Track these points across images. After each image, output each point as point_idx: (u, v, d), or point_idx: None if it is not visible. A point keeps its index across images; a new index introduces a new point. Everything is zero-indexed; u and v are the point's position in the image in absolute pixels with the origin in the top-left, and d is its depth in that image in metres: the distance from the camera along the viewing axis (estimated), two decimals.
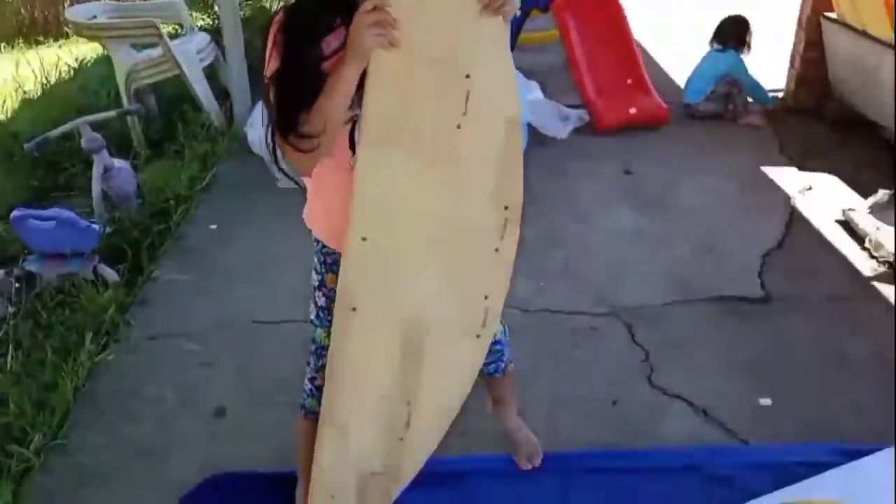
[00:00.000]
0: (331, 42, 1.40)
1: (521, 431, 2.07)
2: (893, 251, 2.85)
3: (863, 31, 3.81)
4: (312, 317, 1.76)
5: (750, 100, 4.29)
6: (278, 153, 1.48)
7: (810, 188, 3.51)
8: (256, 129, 3.77)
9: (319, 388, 1.71)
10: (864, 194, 3.31)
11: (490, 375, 1.95)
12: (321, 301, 1.71)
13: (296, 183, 1.61)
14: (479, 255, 1.54)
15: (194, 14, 5.41)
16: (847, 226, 3.17)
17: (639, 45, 4.64)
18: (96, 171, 3.37)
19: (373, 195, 1.44)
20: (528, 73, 4.19)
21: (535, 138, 4.01)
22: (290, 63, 1.41)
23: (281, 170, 1.55)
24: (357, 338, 1.55)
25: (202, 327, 2.66)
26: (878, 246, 2.94)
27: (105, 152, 3.39)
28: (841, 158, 3.77)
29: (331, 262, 1.63)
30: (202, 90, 4.33)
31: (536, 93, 4.07)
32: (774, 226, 3.22)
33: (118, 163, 3.45)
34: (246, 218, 3.37)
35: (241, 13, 4.96)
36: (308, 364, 1.84)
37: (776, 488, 1.89)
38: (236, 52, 4.22)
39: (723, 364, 2.43)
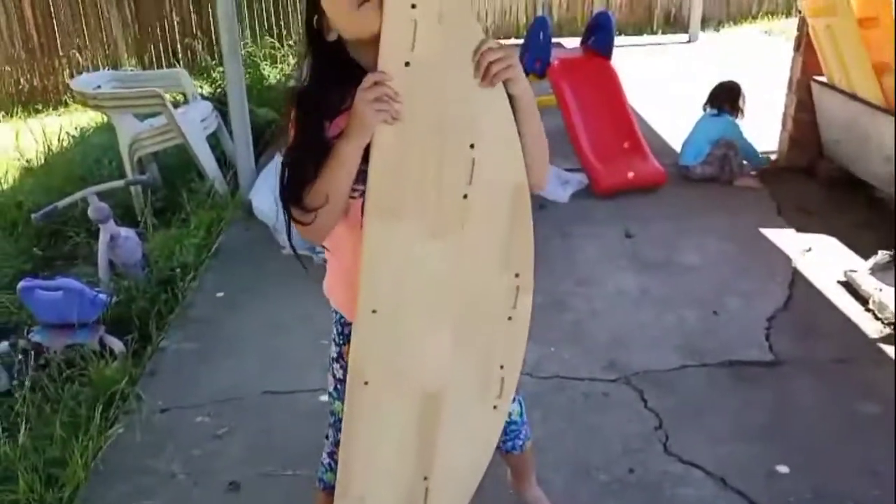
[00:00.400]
0: (340, 123, 1.41)
1: (541, 503, 2.05)
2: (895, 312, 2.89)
3: (852, 94, 3.92)
4: (331, 389, 1.76)
5: (745, 162, 4.37)
6: (290, 226, 1.50)
7: (810, 249, 3.56)
8: (261, 196, 3.82)
9: (338, 461, 1.69)
10: (864, 255, 3.36)
11: (508, 453, 1.94)
12: (339, 374, 1.71)
13: (294, 253, 1.59)
14: (491, 325, 1.54)
15: (196, 82, 5.50)
16: (849, 287, 3.20)
17: (633, 110, 4.74)
18: (103, 239, 3.39)
19: (381, 267, 1.44)
20: None
21: (537, 202, 4.05)
22: (300, 140, 1.45)
23: (289, 241, 1.55)
24: (370, 411, 1.54)
25: (213, 398, 2.64)
26: (882, 307, 2.97)
27: (112, 221, 3.42)
28: (838, 219, 3.84)
29: (348, 332, 1.63)
30: (206, 158, 4.38)
31: None
32: (778, 287, 3.25)
33: (125, 231, 3.47)
34: (253, 285, 3.38)
35: None
36: (326, 437, 1.85)
37: None
38: (240, 119, 4.28)
39: (736, 429, 2.43)
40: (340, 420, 1.72)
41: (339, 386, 1.71)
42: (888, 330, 2.91)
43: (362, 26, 1.33)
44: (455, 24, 1.33)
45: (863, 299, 3.10)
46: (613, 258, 3.58)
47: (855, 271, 3.23)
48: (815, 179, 4.33)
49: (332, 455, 1.80)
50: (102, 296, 3.12)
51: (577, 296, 3.26)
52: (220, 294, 3.33)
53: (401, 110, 1.34)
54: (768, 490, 2.18)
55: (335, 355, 1.71)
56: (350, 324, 1.61)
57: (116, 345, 2.96)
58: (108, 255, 3.42)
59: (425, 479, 1.61)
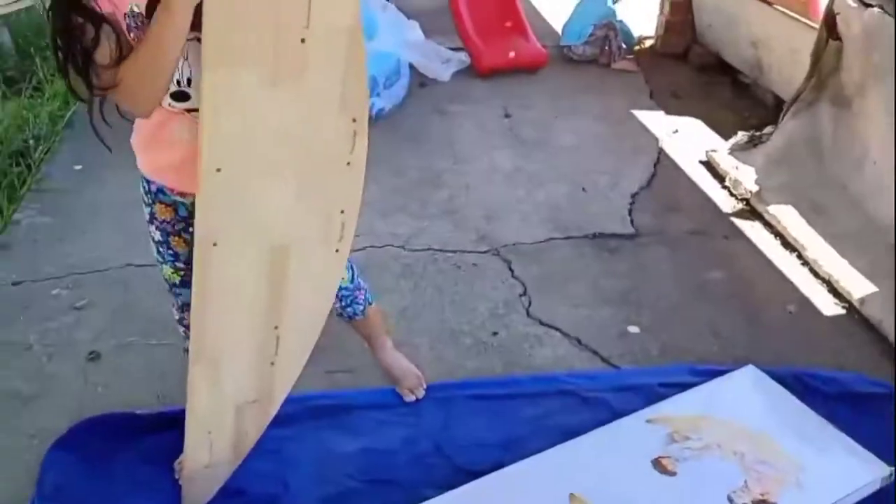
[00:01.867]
0: None
1: (398, 364, 2.11)
2: (750, 189, 3.06)
3: None
4: (154, 254, 1.72)
5: (623, 45, 4.42)
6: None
7: (677, 131, 3.69)
8: None
9: (188, 327, 1.68)
10: (726, 137, 3.51)
11: (351, 320, 1.97)
12: (157, 235, 1.68)
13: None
14: (331, 170, 1.53)
15: None
16: (710, 166, 3.36)
17: None
18: None
19: (223, 122, 1.37)
20: (410, 14, 4.16)
21: (417, 79, 4.01)
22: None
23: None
24: (221, 272, 1.51)
25: (71, 271, 2.54)
26: (737, 184, 3.14)
27: None
28: (705, 103, 3.97)
29: (155, 190, 1.60)
30: None
31: (417, 32, 4.05)
32: (644, 166, 3.37)
33: None
34: (113, 158, 3.18)
35: None
36: (172, 306, 1.81)
37: (645, 407, 2.03)
38: None
39: (594, 296, 2.56)
40: (174, 285, 1.75)
41: (160, 248, 1.69)
42: (741, 205, 3.09)
43: None
44: None
45: (720, 177, 3.27)
46: (490, 136, 3.61)
47: (715, 151, 3.39)
48: (688, 64, 4.44)
49: (182, 321, 1.80)
50: None
51: (452, 172, 3.28)
52: (79, 167, 3.15)
53: None
54: (619, 347, 2.33)
55: (147, 217, 1.66)
56: (155, 181, 1.58)
57: None
58: None
59: (276, 328, 1.62)
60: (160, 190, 1.60)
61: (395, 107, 3.71)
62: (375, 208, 2.96)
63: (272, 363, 1.66)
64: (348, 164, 1.52)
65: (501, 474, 1.80)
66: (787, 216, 2.90)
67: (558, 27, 4.65)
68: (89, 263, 2.58)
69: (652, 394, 2.09)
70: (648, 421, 1.96)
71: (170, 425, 1.85)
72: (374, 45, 3.66)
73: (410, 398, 2.08)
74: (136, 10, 1.33)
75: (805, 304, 2.55)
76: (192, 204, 1.45)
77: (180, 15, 1.26)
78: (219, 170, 1.41)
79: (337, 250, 1.62)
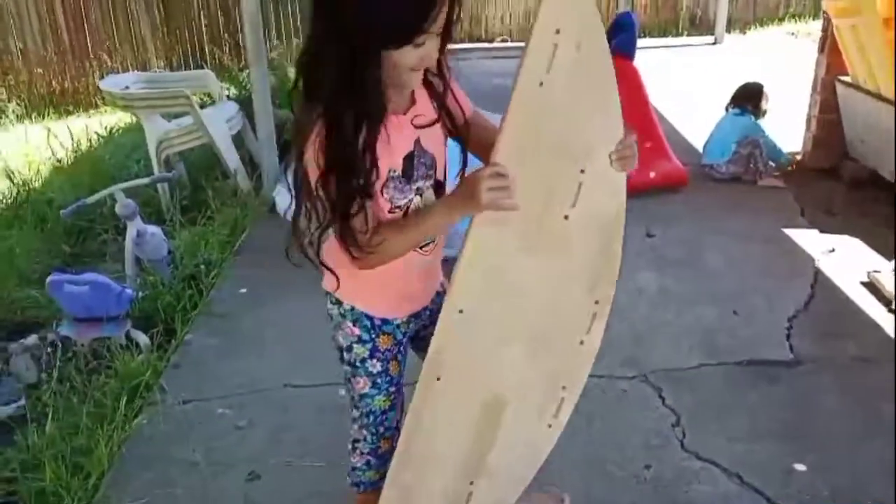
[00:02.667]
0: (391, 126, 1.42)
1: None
2: None
3: (877, 94, 3.88)
4: (367, 389, 1.69)
5: (770, 163, 4.34)
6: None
7: (833, 250, 3.53)
8: (284, 194, 3.87)
9: (381, 456, 1.75)
10: (888, 256, 3.33)
11: None
12: (377, 368, 1.66)
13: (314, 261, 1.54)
14: (564, 344, 1.59)
15: (223, 84, 5.58)
16: (873, 288, 3.18)
17: (656, 110, 4.73)
18: (130, 236, 3.46)
19: (476, 270, 1.48)
20: None
21: None
22: (339, 164, 1.37)
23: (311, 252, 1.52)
24: (436, 406, 1.58)
25: (234, 391, 2.69)
26: None
27: (138, 218, 3.48)
28: (861, 220, 3.80)
29: (380, 323, 1.63)
30: (231, 157, 4.45)
31: None
32: (799, 288, 3.23)
33: (151, 228, 3.53)
34: (275, 282, 3.41)
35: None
36: (361, 440, 1.77)
37: None
38: (265, 119, 4.35)
39: (754, 428, 2.42)
40: (381, 412, 1.72)
41: (377, 380, 1.67)
42: None
43: (424, 60, 1.38)
44: (590, 55, 1.39)
45: (886, 300, 3.07)
46: (633, 257, 3.58)
47: (879, 272, 3.21)
48: (840, 180, 4.29)
49: (376, 451, 1.77)
50: (129, 290, 3.18)
51: None
52: (243, 290, 3.38)
53: (515, 205, 1.39)
54: (785, 487, 2.17)
55: (368, 353, 1.65)
56: (384, 320, 1.63)
57: (142, 339, 3.02)
58: (135, 252, 3.49)
59: (471, 483, 1.65)
60: (384, 321, 1.63)
61: None
62: None
63: None
64: (581, 343, 1.57)
65: None
66: None
67: (698, 145, 4.64)
68: (251, 384, 2.72)
69: None
70: None
71: None
72: None
73: None
74: (395, 172, 1.47)
75: None
76: (407, 324, 1.64)
77: (456, 219, 1.44)
78: (461, 311, 1.50)
79: (550, 426, 1.66)
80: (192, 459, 2.35)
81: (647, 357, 2.79)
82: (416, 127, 1.48)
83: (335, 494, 2.18)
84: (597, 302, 1.54)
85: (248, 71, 4.96)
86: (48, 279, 3.07)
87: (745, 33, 9.48)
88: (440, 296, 1.67)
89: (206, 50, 8.55)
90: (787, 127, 4.68)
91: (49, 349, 2.99)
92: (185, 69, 8.17)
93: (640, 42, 4.83)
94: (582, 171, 1.45)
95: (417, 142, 1.49)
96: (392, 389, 1.71)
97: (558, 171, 1.45)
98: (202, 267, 3.46)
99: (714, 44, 8.76)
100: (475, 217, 1.43)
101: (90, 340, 2.97)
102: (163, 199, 4.33)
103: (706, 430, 2.41)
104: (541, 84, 1.38)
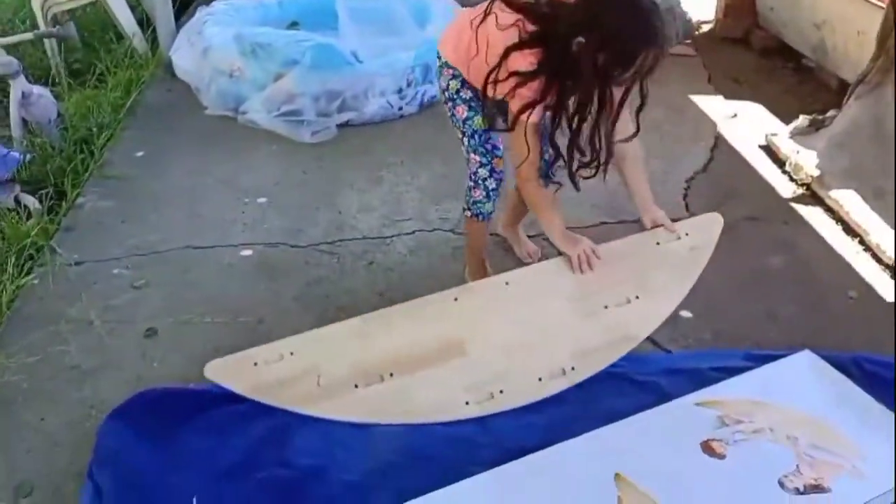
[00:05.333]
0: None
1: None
2: (811, 174, 2.97)
3: None
4: (466, 112, 2.15)
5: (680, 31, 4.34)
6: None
7: (735, 115, 3.60)
8: (182, 54, 3.67)
9: (496, 177, 2.25)
10: (787, 121, 3.41)
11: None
12: (468, 94, 2.13)
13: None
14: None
15: None
16: (769, 150, 3.27)
17: None
18: (14, 96, 3.24)
19: (533, 273, 2.25)
20: (464, 3, 4.16)
21: None
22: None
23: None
24: None
25: (132, 253, 2.62)
26: (798, 169, 3.05)
27: (23, 77, 3.26)
28: (766, 87, 3.87)
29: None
30: (123, 16, 4.16)
31: None
32: (700, 152, 3.30)
33: (37, 89, 3.32)
34: (173, 145, 3.30)
35: None
36: (477, 165, 2.22)
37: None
38: None
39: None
40: (484, 131, 2.18)
41: (472, 104, 2.14)
42: (801, 190, 3.00)
43: None
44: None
45: (781, 162, 3.18)
46: None
47: (776, 135, 3.30)
48: (749, 48, 4.33)
49: (491, 174, 2.24)
50: (15, 154, 3.03)
51: None
52: (140, 153, 3.24)
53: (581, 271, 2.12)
54: (671, 332, 2.28)
55: (459, 84, 2.14)
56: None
57: (31, 202, 2.89)
58: (21, 113, 3.28)
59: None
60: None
61: None
62: (427, 193, 2.97)
63: None
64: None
65: (546, 453, 1.79)
66: (849, 201, 2.81)
67: None
68: (150, 245, 2.66)
69: (704, 378, 2.04)
70: (698, 404, 1.92)
71: (219, 402, 1.91)
72: (429, 32, 3.67)
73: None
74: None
75: (867, 289, 2.47)
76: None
77: (552, 235, 2.21)
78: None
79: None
80: (86, 318, 2.31)
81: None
82: None
83: (235, 348, 2.18)
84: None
85: None
86: None
87: None
88: None
89: None
90: None
91: None
92: None
93: None
94: (637, 298, 2.11)
95: None
96: (486, 112, 2.15)
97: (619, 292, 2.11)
98: (94, 130, 3.29)
99: None
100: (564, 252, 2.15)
101: None
102: (52, 60, 4.05)
103: None
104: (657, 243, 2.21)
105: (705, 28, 4.57)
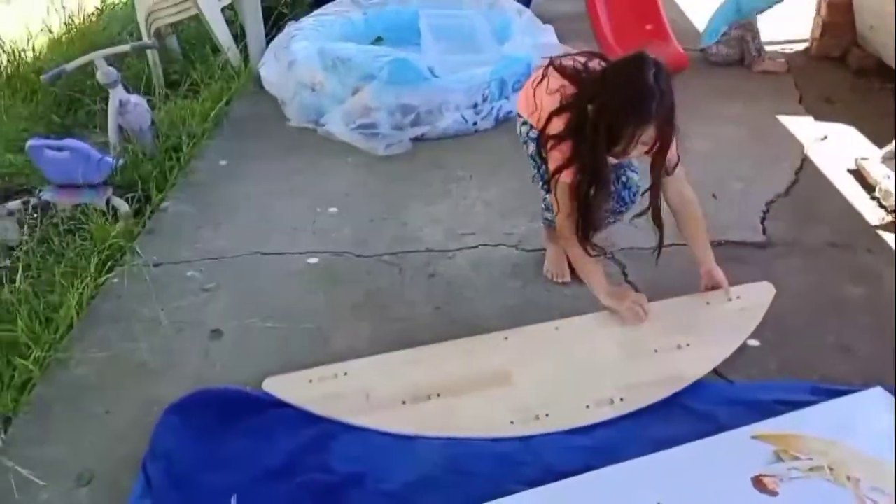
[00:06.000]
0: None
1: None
2: None
3: None
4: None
5: (769, 48, 4.17)
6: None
7: (825, 137, 3.44)
8: (269, 68, 3.81)
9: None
10: (881, 145, 3.24)
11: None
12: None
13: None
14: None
15: None
16: (859, 175, 3.11)
17: None
18: (112, 104, 3.44)
19: (584, 321, 2.29)
20: (547, 19, 4.16)
21: None
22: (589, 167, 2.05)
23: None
24: None
25: (205, 256, 2.73)
26: (888, 195, 2.89)
27: (121, 87, 3.46)
28: (860, 108, 3.69)
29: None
30: (220, 30, 4.36)
31: (550, 37, 4.02)
32: (784, 174, 3.17)
33: (134, 98, 3.51)
34: (255, 154, 3.43)
35: None
36: (545, 198, 2.41)
37: None
38: None
39: None
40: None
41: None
42: (890, 217, 2.84)
43: None
44: None
45: (870, 187, 3.02)
46: None
47: (866, 159, 3.13)
48: (846, 68, 4.13)
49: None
50: (108, 158, 3.20)
51: None
52: (224, 162, 3.39)
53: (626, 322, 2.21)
54: (734, 361, 2.19)
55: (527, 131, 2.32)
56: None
57: (122, 205, 3.05)
58: (118, 121, 3.48)
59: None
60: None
61: None
62: (494, 208, 2.97)
63: None
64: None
65: (589, 476, 1.75)
66: None
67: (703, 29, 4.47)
68: (222, 250, 2.77)
69: (765, 411, 1.95)
70: (754, 437, 1.84)
71: (270, 407, 1.99)
72: (507, 49, 3.68)
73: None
74: None
75: None
76: None
77: (594, 290, 2.28)
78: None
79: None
80: (156, 317, 2.42)
81: (616, 235, 2.76)
82: None
83: (294, 353, 2.25)
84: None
85: None
86: (28, 143, 3.09)
87: None
88: None
89: None
90: (797, 12, 4.48)
91: (32, 214, 3.04)
92: None
93: None
94: (688, 345, 2.16)
95: None
96: None
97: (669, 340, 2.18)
98: (184, 138, 3.46)
99: None
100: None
101: (71, 206, 3.02)
102: (153, 71, 4.29)
103: None
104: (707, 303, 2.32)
105: (800, 47, 4.39)
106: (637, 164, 2.39)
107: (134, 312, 2.44)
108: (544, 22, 4.12)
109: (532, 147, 2.32)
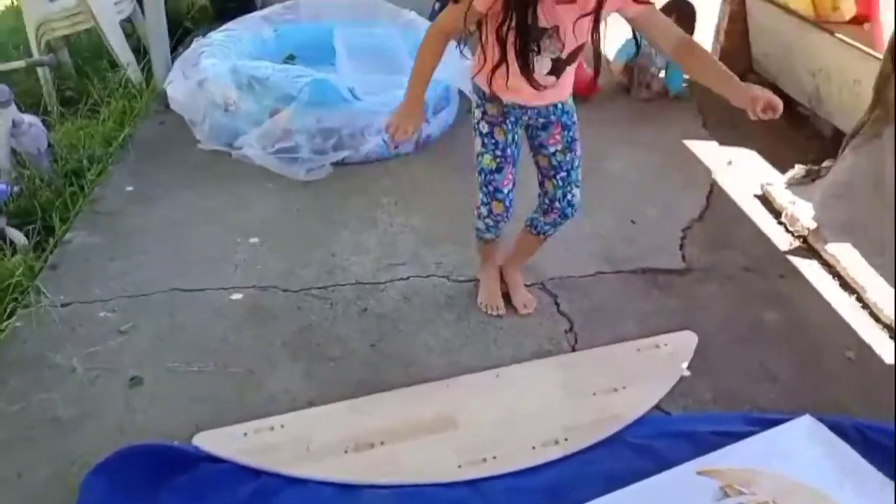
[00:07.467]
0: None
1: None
2: (807, 226, 2.96)
3: (784, 6, 3.89)
4: (479, 147, 2.20)
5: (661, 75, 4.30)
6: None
7: (731, 163, 3.59)
8: (177, 86, 3.63)
9: (495, 217, 2.29)
10: (783, 170, 3.41)
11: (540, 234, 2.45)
12: (485, 128, 2.17)
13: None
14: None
15: None
16: (765, 200, 3.26)
17: None
18: (3, 125, 3.19)
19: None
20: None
21: (466, 106, 3.97)
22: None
23: None
24: None
25: (118, 294, 2.56)
26: (794, 220, 3.04)
27: (13, 106, 3.21)
28: (760, 134, 3.85)
29: (490, 97, 2.12)
30: (119, 44, 4.13)
31: (468, 60, 4.01)
32: (695, 199, 3.29)
33: (28, 118, 3.27)
34: (165, 180, 3.25)
35: None
36: (480, 203, 2.31)
37: (695, 457, 1.94)
38: (155, 4, 4.02)
39: (643, 333, 2.47)
40: (490, 172, 2.21)
41: (485, 140, 2.18)
42: (798, 242, 2.98)
43: None
44: None
45: (777, 212, 3.16)
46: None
47: (771, 185, 3.29)
48: None
49: (490, 214, 2.30)
50: (1, 185, 2.97)
51: None
52: (130, 188, 3.19)
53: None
54: (671, 392, 2.24)
55: (479, 115, 2.17)
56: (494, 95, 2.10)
57: (18, 237, 2.83)
58: (11, 143, 3.23)
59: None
60: (494, 96, 2.10)
61: (442, 133, 3.70)
62: (422, 236, 2.93)
63: None
64: None
65: None
66: (846, 255, 2.79)
67: None
68: (137, 286, 2.60)
69: (703, 442, 2.01)
70: (699, 473, 1.88)
71: (203, 462, 1.89)
72: None
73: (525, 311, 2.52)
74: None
75: (865, 349, 2.44)
76: (513, 106, 2.12)
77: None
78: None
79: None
80: (69, 364, 2.24)
81: (545, 265, 2.79)
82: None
83: (224, 399, 2.14)
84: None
85: None
86: None
87: None
88: (557, 108, 2.17)
89: None
90: (701, 37, 4.65)
91: None
92: None
93: None
94: (623, 388, 2.21)
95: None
96: (497, 153, 2.19)
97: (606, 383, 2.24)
98: (85, 162, 3.24)
99: None
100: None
101: None
102: (45, 88, 4.01)
103: (597, 335, 2.45)
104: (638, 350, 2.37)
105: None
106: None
107: (43, 359, 2.25)
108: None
109: (477, 141, 2.23)
